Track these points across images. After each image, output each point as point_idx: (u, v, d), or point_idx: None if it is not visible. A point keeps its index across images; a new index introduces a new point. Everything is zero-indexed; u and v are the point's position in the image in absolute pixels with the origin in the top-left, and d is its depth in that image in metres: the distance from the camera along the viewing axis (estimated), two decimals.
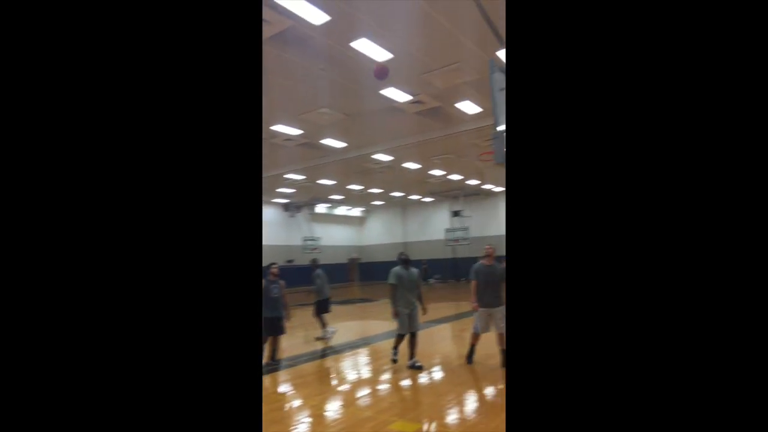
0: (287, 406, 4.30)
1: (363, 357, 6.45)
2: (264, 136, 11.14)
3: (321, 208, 25.37)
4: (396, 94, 8.48)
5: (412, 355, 5.21)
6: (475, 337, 5.22)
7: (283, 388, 4.91)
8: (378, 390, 4.65)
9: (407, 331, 5.21)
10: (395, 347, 5.40)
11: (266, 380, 5.36)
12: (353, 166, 14.76)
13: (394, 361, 5.37)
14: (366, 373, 5.57)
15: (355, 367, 5.91)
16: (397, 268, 5.30)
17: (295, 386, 4.87)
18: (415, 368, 5.09)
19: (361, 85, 7.99)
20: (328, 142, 11.74)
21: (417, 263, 5.36)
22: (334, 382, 5.09)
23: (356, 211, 28.07)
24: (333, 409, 4.11)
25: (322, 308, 7.50)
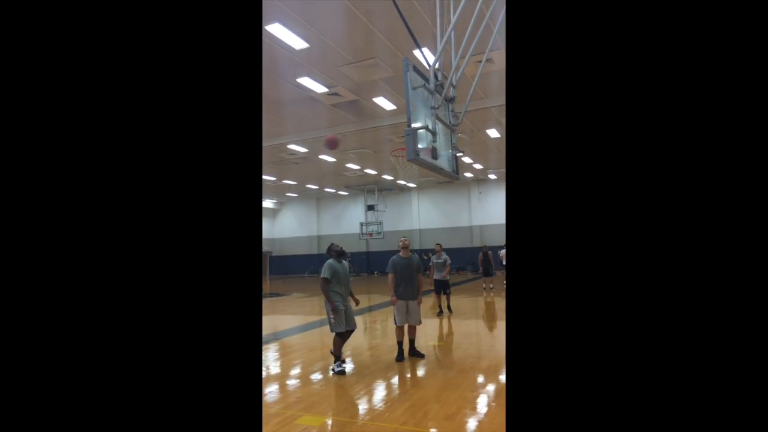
0: None
1: (272, 352, 6.29)
2: None
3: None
4: (312, 85, 8.33)
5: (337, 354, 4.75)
6: (400, 331, 5.14)
7: None
8: (287, 385, 4.56)
9: (346, 329, 4.74)
10: (338, 353, 4.69)
11: None
12: (267, 156, 14.25)
13: (342, 372, 4.65)
14: (275, 368, 5.44)
15: (264, 362, 5.74)
16: (331, 261, 4.80)
17: None
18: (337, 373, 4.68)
19: (277, 72, 7.72)
20: None
21: (341, 256, 5.00)
22: None
23: (269, 203, 27.15)
24: None
25: None
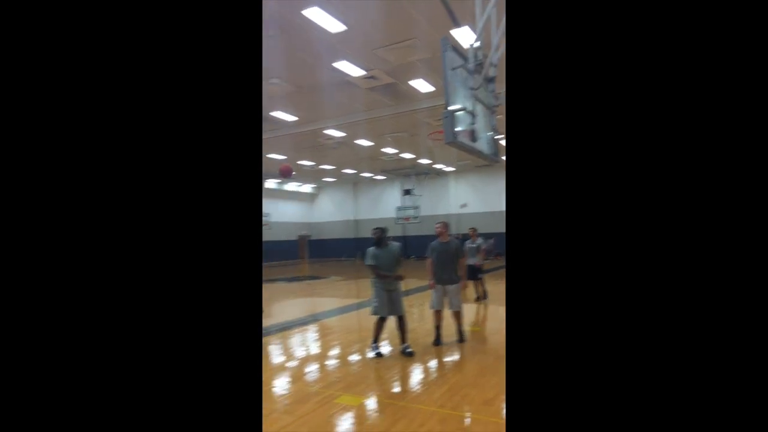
0: None
1: (311, 333, 6.46)
2: None
3: (271, 184, 24.71)
4: (349, 68, 8.30)
5: (403, 340, 4.76)
6: (438, 315, 5.13)
7: None
8: (326, 365, 4.68)
9: (387, 314, 4.69)
10: (376, 336, 4.72)
11: None
12: (305, 141, 14.43)
13: (379, 354, 4.69)
14: (314, 349, 5.59)
15: (303, 343, 5.91)
16: (371, 249, 4.76)
17: None
18: (407, 354, 4.64)
19: (314, 56, 7.74)
20: (279, 114, 11.36)
21: (379, 242, 4.83)
22: (280, 359, 5.07)
23: (307, 188, 27.61)
24: (280, 384, 4.10)
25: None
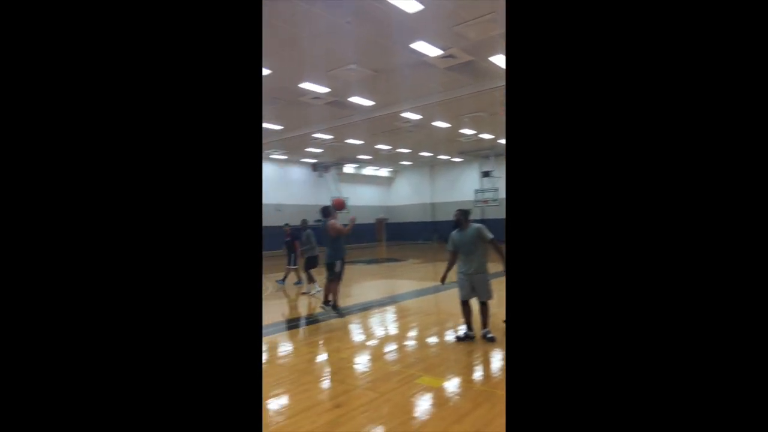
0: (317, 358, 4.46)
1: (390, 314, 6.58)
2: (292, 94, 11.03)
3: (349, 168, 25.36)
4: (426, 48, 8.15)
5: (484, 324, 4.65)
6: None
7: (311, 342, 5.09)
8: (405, 346, 4.75)
9: (464, 298, 4.67)
10: (465, 320, 4.74)
11: (294, 334, 5.57)
12: (381, 125, 14.53)
13: (469, 337, 4.67)
14: (393, 329, 5.70)
15: (383, 323, 6.05)
16: (453, 232, 4.72)
17: (325, 340, 5.03)
18: (488, 340, 4.54)
19: (391, 39, 7.70)
20: (356, 100, 11.54)
21: (457, 225, 4.76)
22: (361, 338, 5.24)
23: (384, 171, 27.92)
24: (362, 362, 4.24)
25: (310, 265, 8.34)
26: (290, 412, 3.06)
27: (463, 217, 4.72)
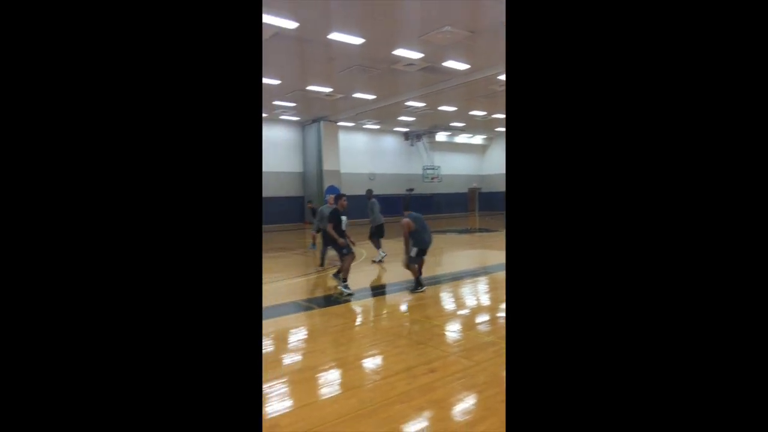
0: (410, 323, 4.57)
1: (482, 285, 6.47)
2: (385, 62, 10.99)
3: (441, 136, 24.93)
4: None
5: None
6: None
7: (404, 307, 5.20)
8: (497, 318, 4.65)
9: None
10: None
11: (386, 300, 5.73)
12: (477, 90, 13.94)
13: None
14: (485, 300, 5.60)
15: (474, 293, 5.97)
16: None
17: (418, 307, 5.12)
18: None
19: None
20: (451, 64, 11.15)
21: None
22: (452, 306, 5.23)
23: (478, 139, 26.98)
24: (454, 330, 4.25)
25: (376, 233, 8.55)
26: (386, 373, 3.19)
27: None
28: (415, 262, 5.76)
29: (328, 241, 6.36)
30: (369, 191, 9.03)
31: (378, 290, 6.28)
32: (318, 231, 8.13)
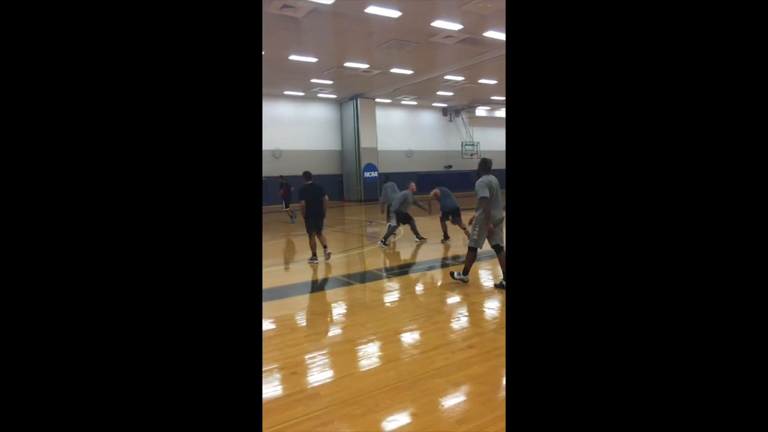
0: (448, 299, 4.57)
1: None
2: (423, 35, 10.71)
3: (481, 111, 24.27)
4: None
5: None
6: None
7: (441, 284, 5.20)
8: None
9: (478, 246, 4.81)
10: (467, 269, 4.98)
11: (422, 276, 5.74)
12: None
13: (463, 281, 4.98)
14: None
15: None
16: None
17: (456, 284, 5.10)
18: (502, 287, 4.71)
19: None
20: (491, 34, 10.73)
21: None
22: (490, 284, 5.18)
23: None
24: (493, 308, 4.22)
25: (401, 218, 8.56)
26: (424, 348, 3.22)
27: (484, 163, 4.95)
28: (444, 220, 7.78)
29: (402, 220, 7.81)
30: (385, 175, 9.67)
31: (418, 266, 6.30)
32: (392, 211, 8.28)
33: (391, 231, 7.85)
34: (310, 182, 6.39)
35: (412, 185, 8.08)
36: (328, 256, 6.61)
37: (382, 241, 7.76)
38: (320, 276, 5.81)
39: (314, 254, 6.54)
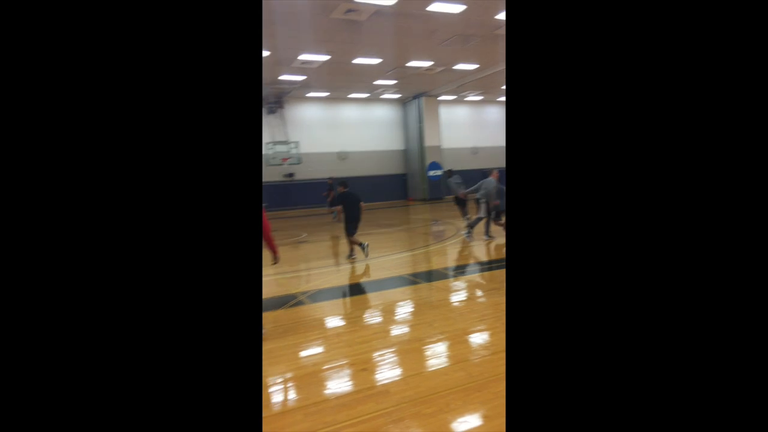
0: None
1: None
2: (487, 28, 10.44)
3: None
4: None
5: None
6: None
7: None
8: None
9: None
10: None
11: (494, 275, 5.58)
12: None
13: None
14: None
15: None
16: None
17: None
18: None
19: None
20: None
21: None
22: None
23: None
24: None
25: (463, 205, 9.48)
26: (494, 348, 3.13)
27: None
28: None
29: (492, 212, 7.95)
30: (449, 171, 10.13)
31: (485, 265, 6.15)
32: (480, 202, 8.49)
33: (478, 221, 8.17)
34: (346, 189, 6.80)
35: (495, 172, 8.02)
36: (350, 256, 6.99)
37: (485, 235, 7.98)
38: (386, 275, 5.86)
39: (352, 251, 7.02)
